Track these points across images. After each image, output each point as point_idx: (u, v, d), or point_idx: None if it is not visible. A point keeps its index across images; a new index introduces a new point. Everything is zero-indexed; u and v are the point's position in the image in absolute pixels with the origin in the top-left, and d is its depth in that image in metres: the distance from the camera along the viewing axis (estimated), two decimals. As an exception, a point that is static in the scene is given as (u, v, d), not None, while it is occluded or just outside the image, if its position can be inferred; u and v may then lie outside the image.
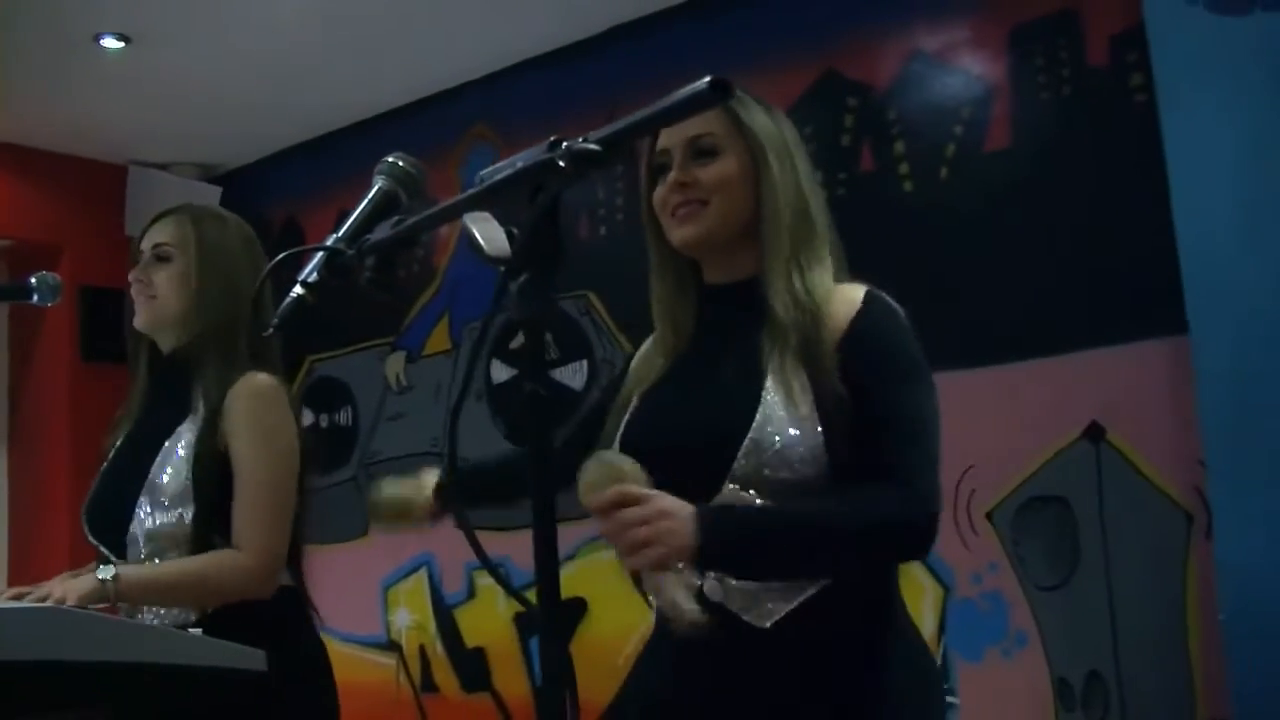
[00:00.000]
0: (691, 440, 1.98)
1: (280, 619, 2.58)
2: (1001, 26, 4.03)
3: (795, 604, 1.93)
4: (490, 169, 1.49)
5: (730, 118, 2.08)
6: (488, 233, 1.44)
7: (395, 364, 5.46)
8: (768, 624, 1.94)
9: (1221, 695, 3.28)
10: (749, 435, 1.92)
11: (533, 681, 4.79)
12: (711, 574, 1.95)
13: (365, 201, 1.79)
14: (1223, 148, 3.21)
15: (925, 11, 4.18)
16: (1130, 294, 3.67)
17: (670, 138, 2.08)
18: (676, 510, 1.77)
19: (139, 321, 2.74)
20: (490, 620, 5.02)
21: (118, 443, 2.75)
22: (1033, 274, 3.86)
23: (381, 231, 1.70)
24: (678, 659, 2.05)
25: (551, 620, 1.46)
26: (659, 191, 2.09)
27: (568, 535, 4.56)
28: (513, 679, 4.93)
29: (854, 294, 2.02)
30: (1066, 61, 3.91)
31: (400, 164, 1.80)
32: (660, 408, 2.09)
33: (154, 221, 2.79)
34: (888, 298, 2.03)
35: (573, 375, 4.85)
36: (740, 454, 1.92)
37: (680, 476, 1.91)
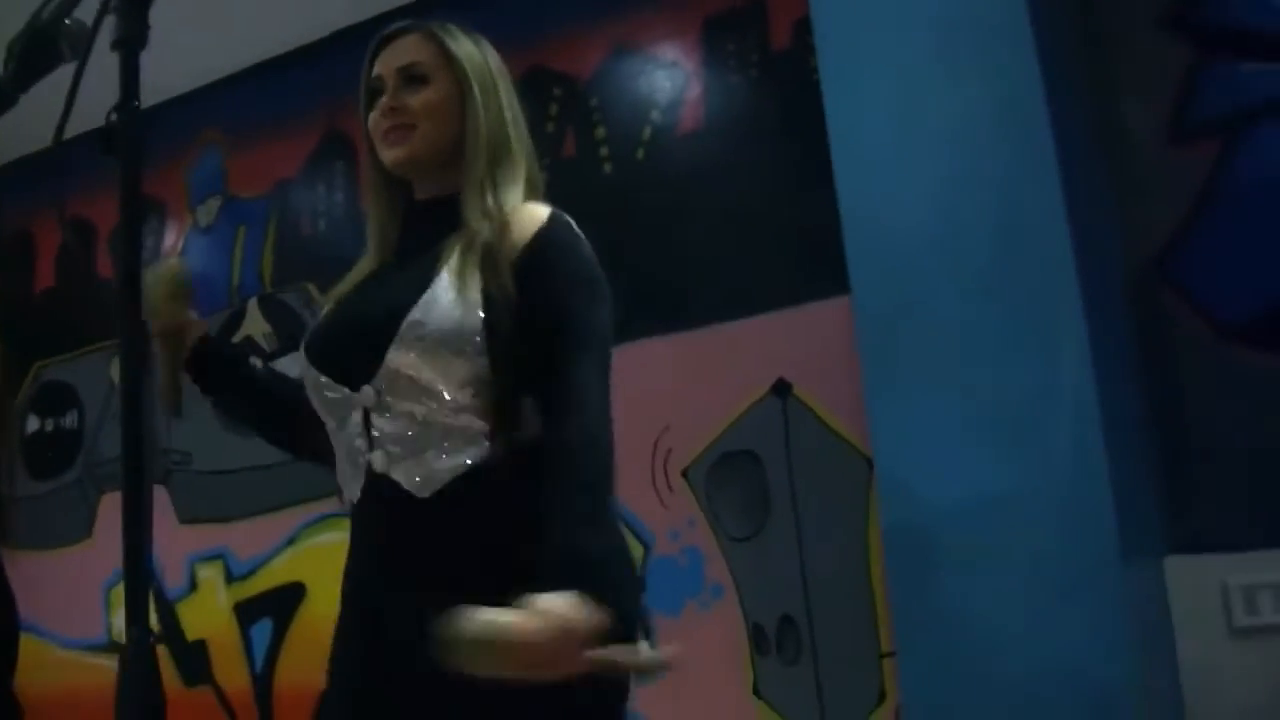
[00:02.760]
0: (363, 320, 2.11)
1: None
2: (695, 18, 4.27)
3: (455, 474, 2.04)
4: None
5: (439, 47, 2.26)
6: None
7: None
8: (428, 493, 2.04)
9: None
10: (411, 313, 2.04)
11: (252, 671, 4.80)
12: (379, 447, 2.07)
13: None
14: (874, 109, 3.43)
15: (626, 7, 4.40)
16: (808, 259, 3.88)
17: (383, 65, 2.27)
18: (576, 629, 1.76)
19: None
20: (210, 613, 4.99)
21: None
22: (722, 245, 4.07)
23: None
24: (360, 536, 2.16)
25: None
26: (373, 116, 2.26)
27: (285, 522, 4.62)
28: (233, 670, 4.90)
29: (540, 211, 2.16)
30: (754, 47, 4.15)
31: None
32: (347, 302, 2.24)
33: None
34: (568, 218, 2.16)
35: (292, 365, 4.89)
36: (403, 327, 2.04)
37: (351, 352, 2.09)
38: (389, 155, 2.23)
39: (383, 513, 2.08)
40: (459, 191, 2.21)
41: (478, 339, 2.04)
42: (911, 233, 3.32)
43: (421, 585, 2.04)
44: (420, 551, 2.06)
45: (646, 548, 4.04)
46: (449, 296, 2.05)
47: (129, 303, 1.61)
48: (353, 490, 2.14)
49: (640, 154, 4.27)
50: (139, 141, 1.57)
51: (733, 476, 3.97)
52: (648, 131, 4.26)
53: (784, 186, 3.98)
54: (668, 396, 3.96)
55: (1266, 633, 3.20)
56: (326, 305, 2.30)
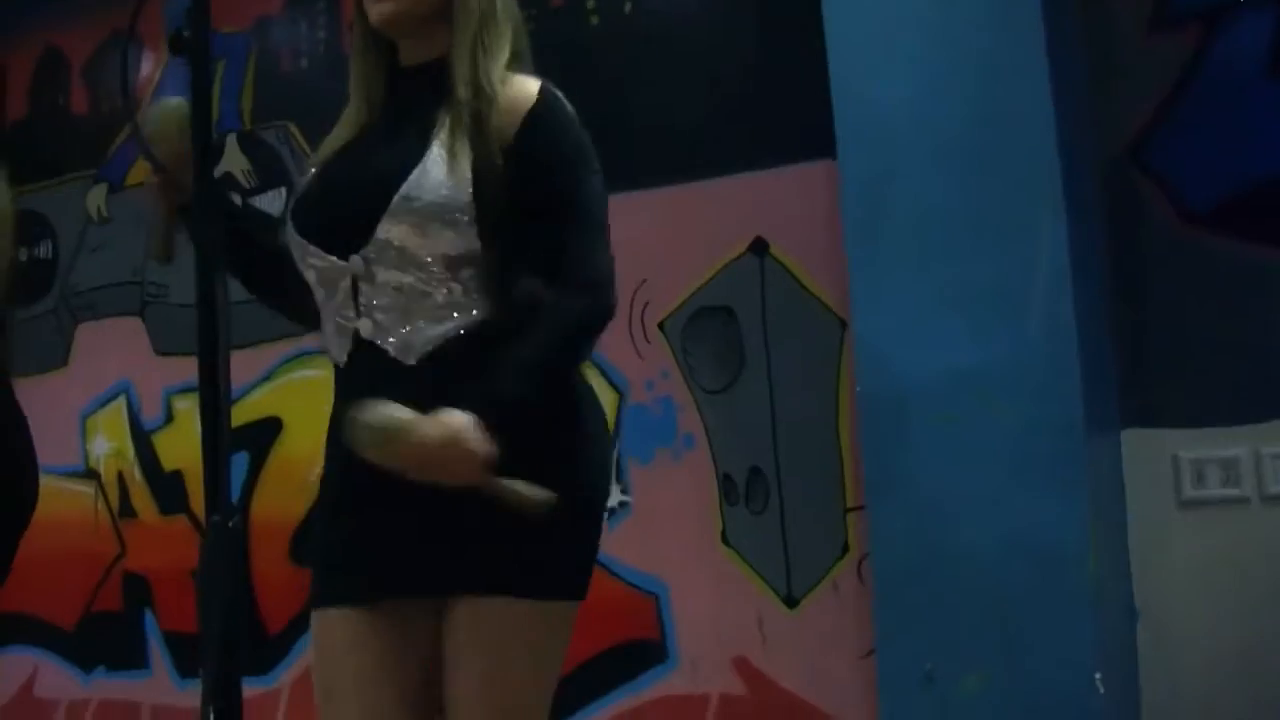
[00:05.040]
0: (353, 188, 2.16)
1: None
2: None
3: (439, 341, 2.13)
4: None
5: None
6: None
7: (97, 196, 5.47)
8: (413, 360, 2.13)
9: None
10: (403, 187, 2.10)
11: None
12: (366, 315, 2.15)
13: None
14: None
15: None
16: (792, 121, 3.95)
17: None
18: (466, 440, 1.96)
19: None
20: (188, 443, 5.08)
21: None
22: (708, 102, 4.12)
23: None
24: (347, 400, 2.17)
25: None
26: None
27: (264, 356, 4.68)
28: (210, 499, 4.96)
29: (530, 85, 2.20)
30: (744, -102, 4.16)
31: None
32: (335, 167, 2.27)
33: None
34: (558, 93, 2.22)
35: (271, 202, 4.96)
36: (395, 201, 2.10)
37: (340, 222, 2.15)
38: (376, 11, 2.23)
39: (369, 378, 2.13)
40: (444, 55, 2.23)
41: (467, 212, 2.10)
42: (899, 105, 3.41)
43: None
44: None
45: (621, 395, 4.17)
46: (439, 170, 2.11)
47: (201, 188, 1.68)
48: (339, 355, 2.21)
49: (628, 7, 4.29)
50: (209, 47, 1.63)
51: (708, 331, 4.08)
52: (636, -15, 4.29)
53: (772, 46, 4.02)
54: (647, 250, 4.02)
55: (1212, 504, 3.40)
56: (312, 167, 2.33)
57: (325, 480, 2.30)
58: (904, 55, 3.43)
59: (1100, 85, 3.57)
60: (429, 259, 2.12)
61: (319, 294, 2.23)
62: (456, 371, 2.12)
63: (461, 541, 2.11)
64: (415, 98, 2.25)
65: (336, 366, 2.25)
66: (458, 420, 1.97)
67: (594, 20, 4.35)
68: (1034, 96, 3.28)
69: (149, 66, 5.33)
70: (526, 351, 2.08)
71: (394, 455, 1.95)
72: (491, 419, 1.99)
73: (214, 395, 1.70)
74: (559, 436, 2.18)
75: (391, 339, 2.14)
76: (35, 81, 5.72)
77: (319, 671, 2.22)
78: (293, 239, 2.24)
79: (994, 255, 3.29)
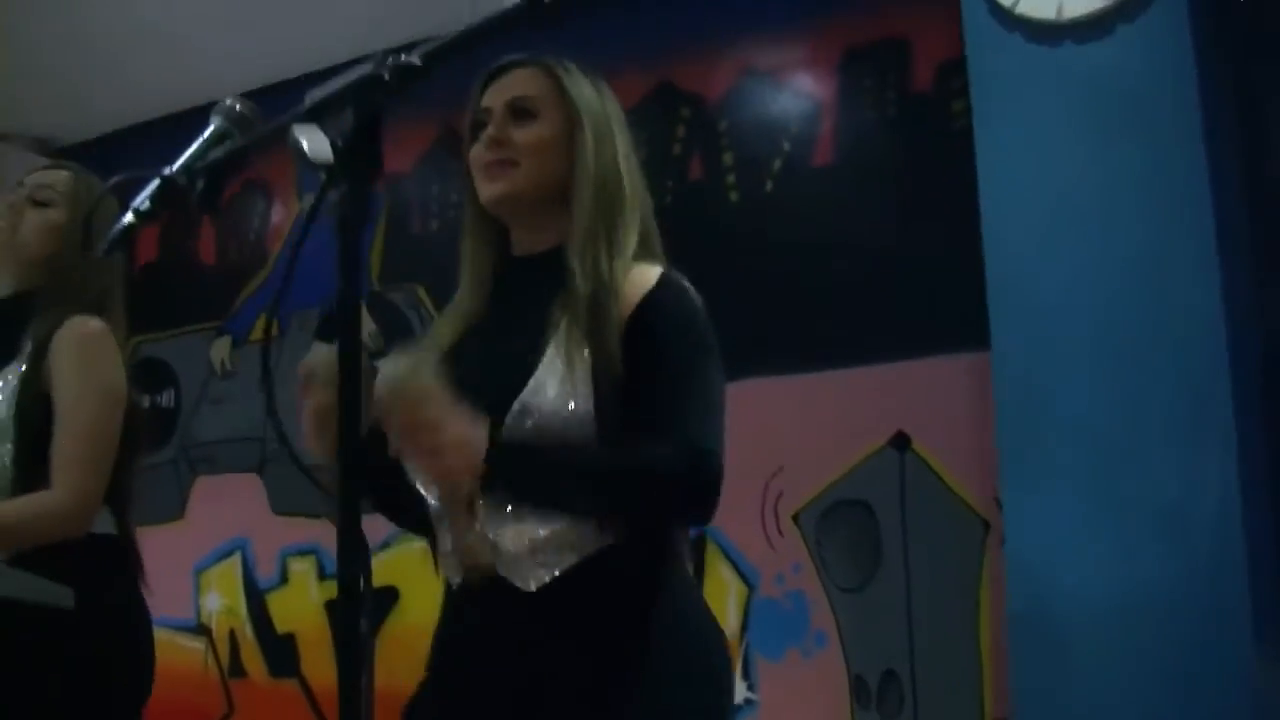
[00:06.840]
0: (469, 398, 1.91)
1: (87, 565, 2.59)
2: (834, 48, 4.18)
3: (561, 570, 1.96)
4: (318, 89, 1.52)
5: (554, 84, 2.12)
6: (313, 141, 1.48)
7: (221, 348, 5.45)
8: (533, 587, 1.96)
9: (1007, 693, 3.42)
10: (519, 399, 1.94)
11: (342, 669, 4.80)
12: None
13: (200, 139, 1.82)
14: (1029, 169, 3.37)
15: (760, 29, 4.31)
16: (939, 310, 3.83)
17: (492, 97, 2.12)
18: (469, 440, 1.83)
19: None
20: (302, 606, 5.01)
21: None
22: (848, 287, 4.01)
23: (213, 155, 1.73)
24: (455, 625, 2.08)
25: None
26: (475, 148, 2.11)
27: (380, 525, 4.58)
28: (321, 665, 4.91)
29: (650, 272, 2.05)
30: (893, 85, 4.07)
31: (236, 106, 1.83)
32: (450, 368, 2.04)
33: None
34: (683, 280, 2.07)
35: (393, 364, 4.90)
36: (509, 417, 1.93)
37: None
38: (487, 191, 2.08)
39: (482, 603, 2.00)
40: (561, 244, 2.08)
41: (586, 425, 1.94)
42: (1059, 299, 3.27)
43: (527, 683, 1.97)
44: (517, 645, 1.99)
45: (751, 588, 4.02)
46: (555, 378, 1.94)
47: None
48: (454, 574, 2.06)
49: (769, 186, 4.20)
50: (358, 328, 1.51)
51: (844, 525, 3.94)
52: (778, 163, 4.19)
53: (916, 235, 3.92)
54: (783, 438, 3.93)
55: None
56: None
57: (423, 690, 2.16)
58: (1066, 246, 3.28)
59: (1268, 281, 3.39)
60: None
61: (435, 507, 2.08)
62: (582, 603, 1.97)
63: None
64: (527, 291, 2.09)
65: (449, 585, 2.08)
66: (476, 429, 1.85)
67: (733, 196, 4.26)
68: (1202, 293, 3.11)
69: (277, 218, 5.34)
70: (594, 452, 1.95)
71: (396, 407, 1.81)
72: (505, 461, 1.88)
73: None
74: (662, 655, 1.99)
75: (511, 565, 1.97)
76: (166, 227, 5.72)
77: None
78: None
79: (1157, 464, 3.11)
